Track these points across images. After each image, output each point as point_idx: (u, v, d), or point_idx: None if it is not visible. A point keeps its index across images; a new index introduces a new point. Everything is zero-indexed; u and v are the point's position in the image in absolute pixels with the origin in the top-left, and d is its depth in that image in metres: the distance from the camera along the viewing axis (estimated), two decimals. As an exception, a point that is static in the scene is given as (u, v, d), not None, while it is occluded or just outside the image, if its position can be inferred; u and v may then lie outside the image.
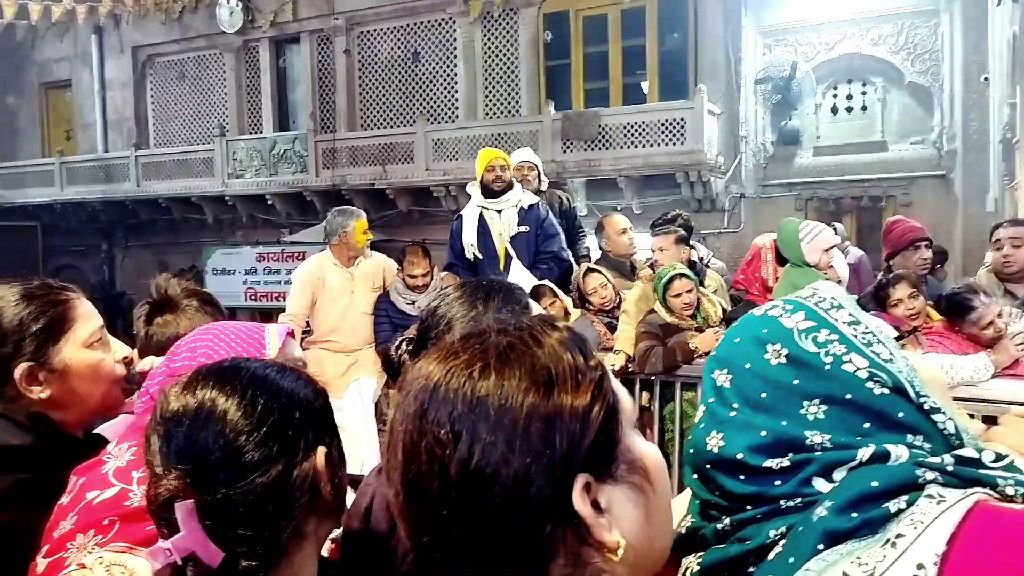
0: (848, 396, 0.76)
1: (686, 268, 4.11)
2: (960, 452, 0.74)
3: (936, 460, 0.72)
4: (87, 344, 1.31)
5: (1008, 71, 7.67)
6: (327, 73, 13.25)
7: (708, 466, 0.80)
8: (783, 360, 0.78)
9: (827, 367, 0.77)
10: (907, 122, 9.97)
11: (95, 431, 1.33)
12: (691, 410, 3.94)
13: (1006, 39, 7.74)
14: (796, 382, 0.77)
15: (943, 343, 3.18)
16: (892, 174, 9.90)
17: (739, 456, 0.77)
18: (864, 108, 10.20)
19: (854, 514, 0.69)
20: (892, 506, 0.69)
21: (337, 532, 1.30)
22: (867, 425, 0.76)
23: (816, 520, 0.71)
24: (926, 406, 0.77)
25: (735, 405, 0.80)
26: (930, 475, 0.70)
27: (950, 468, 0.71)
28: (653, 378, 3.98)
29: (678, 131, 10.07)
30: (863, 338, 0.79)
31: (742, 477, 0.77)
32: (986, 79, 8.91)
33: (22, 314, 1.26)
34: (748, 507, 0.77)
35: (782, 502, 0.76)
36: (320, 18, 12.98)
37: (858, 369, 0.77)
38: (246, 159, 13.23)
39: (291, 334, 1.28)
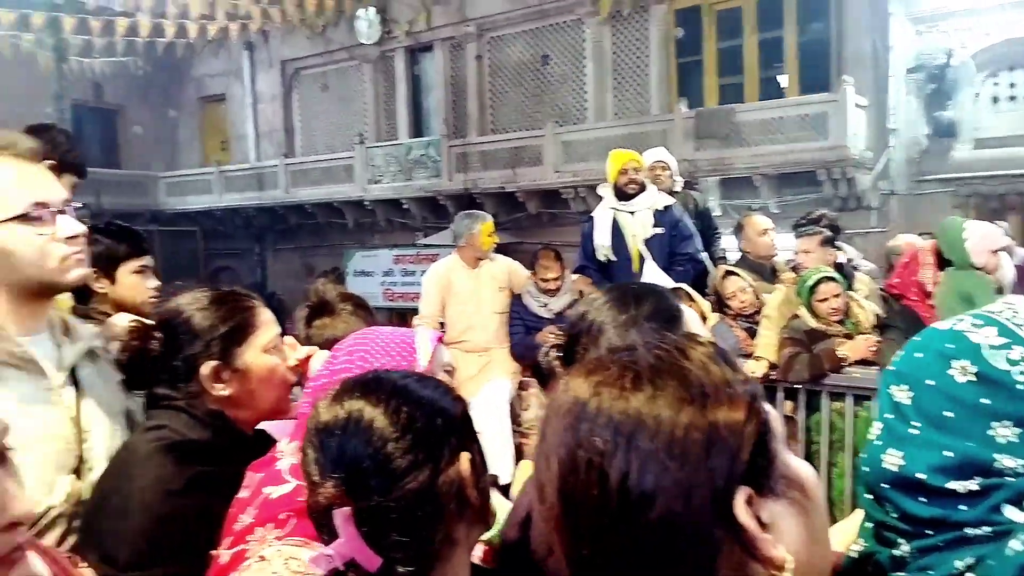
0: None
1: (833, 271, 3.90)
2: None
3: None
4: (266, 349, 1.40)
5: None
6: (459, 79, 13.57)
7: (885, 486, 0.76)
8: (971, 377, 0.73)
9: (1020, 387, 0.71)
10: (1083, 110, 9.02)
11: (261, 428, 1.42)
12: (839, 421, 3.74)
13: None
14: (985, 401, 0.72)
15: None
16: (1065, 167, 9.00)
17: (921, 476, 0.72)
18: (1031, 96, 9.32)
19: None
20: None
21: (488, 534, 1.32)
22: None
23: (1012, 554, 0.66)
24: None
25: (916, 423, 0.75)
26: None
27: None
28: (798, 387, 3.81)
29: (820, 125, 9.58)
30: None
31: (923, 499, 0.73)
32: None
33: (213, 317, 1.35)
34: (928, 532, 0.73)
35: (968, 530, 0.71)
36: (452, 26, 13.32)
37: None
38: (383, 165, 13.77)
39: (440, 339, 1.31)
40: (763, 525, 0.60)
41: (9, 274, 1.28)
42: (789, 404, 3.90)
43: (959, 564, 0.70)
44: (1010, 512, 0.69)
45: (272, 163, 15.40)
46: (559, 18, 12.38)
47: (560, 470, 0.63)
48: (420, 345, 1.25)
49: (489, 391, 4.65)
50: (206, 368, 1.33)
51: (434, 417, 0.87)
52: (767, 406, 0.65)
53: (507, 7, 12.66)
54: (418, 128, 14.38)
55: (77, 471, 1.31)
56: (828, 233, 4.30)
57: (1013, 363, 0.72)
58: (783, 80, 10.78)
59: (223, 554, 1.07)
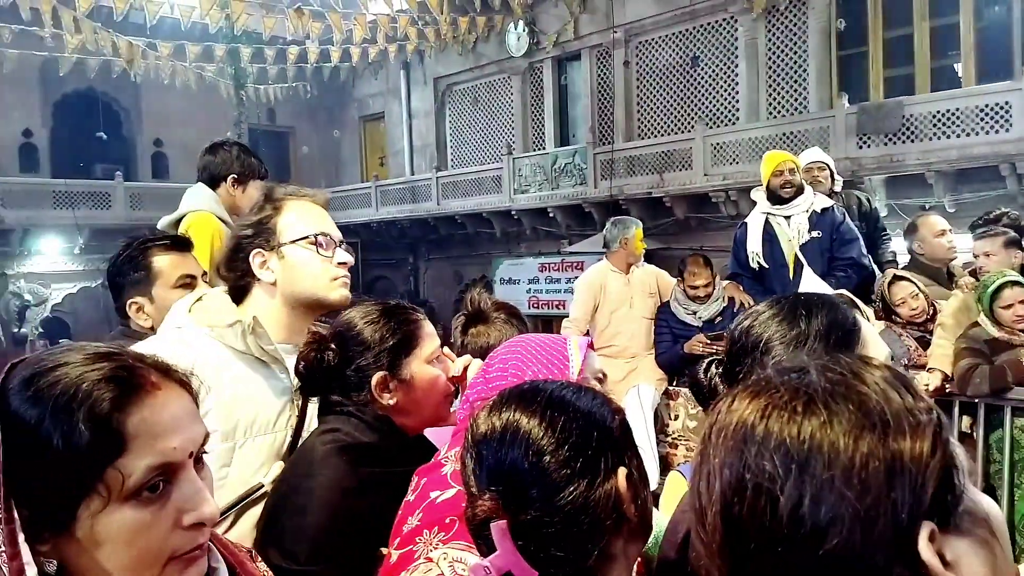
0: None
1: (1018, 275, 3.55)
2: None
3: None
4: (428, 360, 1.48)
5: None
6: (606, 86, 13.56)
7: None
8: None
9: None
10: None
11: (423, 434, 1.50)
12: (1023, 438, 3.40)
13: None
14: None
15: None
16: None
17: None
18: None
19: None
20: None
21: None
22: None
23: None
24: None
25: None
26: None
27: None
28: (976, 401, 3.50)
29: (1002, 117, 8.76)
30: None
31: None
32: None
33: (382, 330, 1.45)
34: None
35: None
36: (600, 33, 13.33)
37: None
38: (530, 175, 14.00)
39: (591, 346, 1.32)
40: (946, 563, 0.57)
41: (292, 285, 1.56)
42: (967, 420, 3.59)
43: None
44: None
45: (425, 176, 16.05)
46: (710, 17, 12.09)
47: (724, 494, 0.61)
48: (572, 353, 1.26)
49: (635, 396, 4.61)
50: (376, 378, 1.42)
51: (591, 429, 0.86)
52: (952, 439, 0.61)
53: (656, 10, 12.51)
54: (564, 137, 14.51)
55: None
56: (1013, 234, 3.93)
57: None
58: (959, 69, 9.95)
59: (392, 554, 1.14)
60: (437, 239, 16.52)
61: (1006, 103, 8.73)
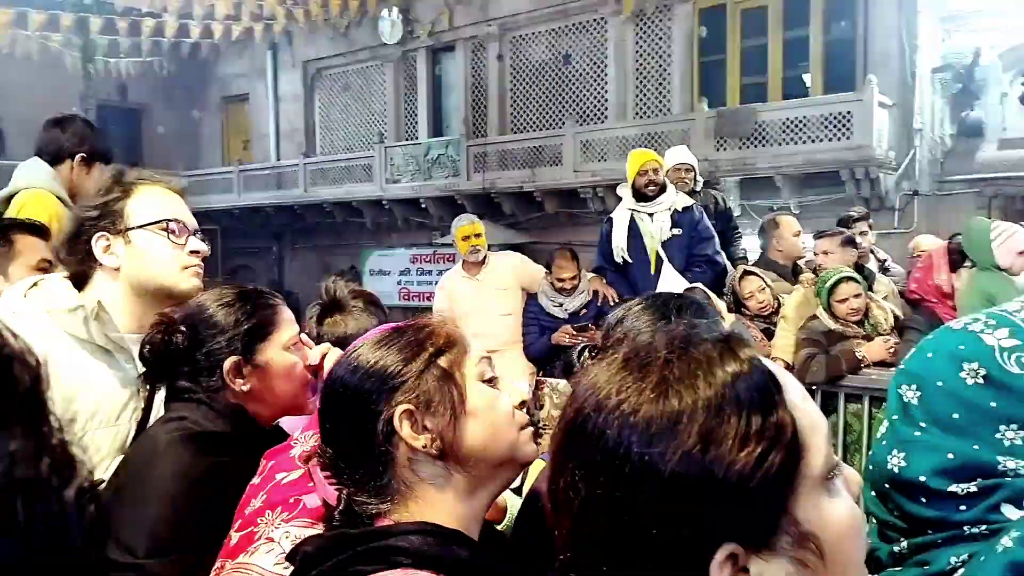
0: None
1: (853, 271, 3.87)
2: None
3: None
4: (286, 347, 1.43)
5: None
6: (480, 79, 13.60)
7: (887, 485, 0.77)
8: (980, 380, 0.73)
9: None
10: (1114, 109, 8.87)
11: (278, 424, 1.45)
12: (856, 423, 3.71)
13: None
14: (993, 405, 0.72)
15: None
16: (1094, 168, 8.85)
17: (922, 479, 0.73)
18: (1060, 96, 9.18)
19: None
20: None
21: (500, 526, 1.34)
22: None
23: (1001, 551, 0.66)
24: None
25: (922, 424, 0.76)
26: None
27: None
28: (814, 388, 3.78)
29: (844, 125, 9.50)
30: None
31: (923, 500, 0.74)
32: None
33: (236, 314, 1.39)
34: (929, 531, 0.74)
35: (965, 528, 0.72)
36: (474, 25, 13.35)
37: None
38: (402, 164, 13.84)
39: None
40: None
41: (138, 272, 1.51)
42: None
43: (953, 559, 0.70)
44: (1008, 511, 0.70)
45: (292, 162, 15.51)
46: (582, 17, 12.37)
47: (552, 468, 0.62)
48: None
49: (524, 387, 4.65)
50: (228, 363, 1.36)
51: (371, 376, 0.91)
52: (813, 439, 0.60)
53: (530, 6, 12.67)
54: (438, 128, 14.43)
55: None
56: (848, 233, 4.27)
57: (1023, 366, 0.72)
58: (807, 79, 10.70)
59: (232, 536, 1.10)
60: (304, 228, 16.02)
61: (848, 113, 9.46)
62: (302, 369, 1.44)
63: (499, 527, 1.34)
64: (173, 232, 1.54)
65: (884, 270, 4.96)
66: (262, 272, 16.69)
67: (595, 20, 12.26)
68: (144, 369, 1.37)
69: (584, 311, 4.62)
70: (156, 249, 1.52)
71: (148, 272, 1.51)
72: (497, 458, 0.93)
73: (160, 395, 1.45)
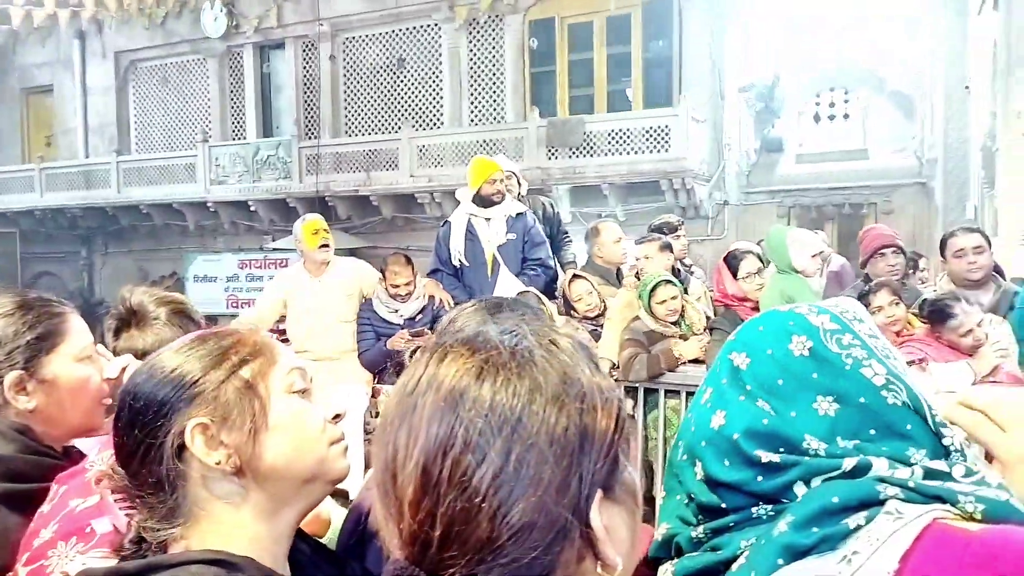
0: (861, 400, 0.78)
1: (671, 275, 4.12)
2: (931, 465, 0.74)
3: (904, 474, 0.73)
4: (78, 359, 1.31)
5: (989, 80, 7.77)
6: (312, 79, 13.22)
7: (703, 444, 0.80)
8: (806, 352, 0.80)
9: (847, 368, 0.79)
10: (888, 130, 10.08)
11: (72, 444, 1.32)
12: (675, 418, 3.95)
13: (986, 48, 7.84)
14: (815, 376, 0.79)
15: (925, 350, 3.20)
16: (873, 182, 10.01)
17: (735, 436, 0.77)
18: (846, 116, 10.31)
19: (814, 529, 0.70)
20: (851, 522, 0.70)
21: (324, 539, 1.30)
22: (873, 432, 0.77)
23: (777, 535, 0.72)
24: (935, 422, 0.78)
25: (748, 387, 0.81)
26: (891, 491, 0.71)
27: (912, 484, 0.71)
28: (637, 385, 3.99)
29: (662, 138, 10.13)
30: (883, 350, 0.81)
31: (727, 463, 0.77)
32: (967, 88, 9.03)
33: (16, 324, 1.26)
34: (723, 504, 0.78)
35: (754, 510, 0.76)
36: (305, 24, 12.96)
37: (876, 375, 0.79)
38: (229, 165, 13.17)
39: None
40: (605, 528, 0.61)
41: None
42: (629, 402, 4.08)
43: (743, 543, 0.75)
44: (799, 490, 0.75)
45: (103, 160, 14.30)
46: (415, 22, 12.35)
47: (428, 450, 0.60)
48: None
49: (342, 400, 4.54)
50: (8, 379, 1.23)
51: (153, 393, 0.86)
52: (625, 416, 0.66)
53: (362, 8, 12.47)
54: (268, 128, 13.87)
55: None
56: (666, 239, 4.54)
57: (843, 347, 0.80)
58: (630, 94, 11.30)
59: (20, 571, 0.99)
60: (117, 231, 14.81)
61: (666, 127, 10.11)
62: (97, 384, 1.33)
63: (323, 540, 1.31)
64: None
65: (690, 273, 5.31)
66: (69, 279, 15.27)
67: (429, 26, 12.29)
68: None
69: (420, 316, 4.61)
70: None
71: None
72: (302, 476, 0.89)
73: None
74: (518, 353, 0.62)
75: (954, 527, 0.68)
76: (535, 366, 0.61)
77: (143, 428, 0.84)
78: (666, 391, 3.95)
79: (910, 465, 0.74)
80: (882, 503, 0.71)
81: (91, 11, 12.35)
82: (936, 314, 3.23)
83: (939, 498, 0.70)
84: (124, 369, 1.30)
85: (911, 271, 5.21)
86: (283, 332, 4.94)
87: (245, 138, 13.64)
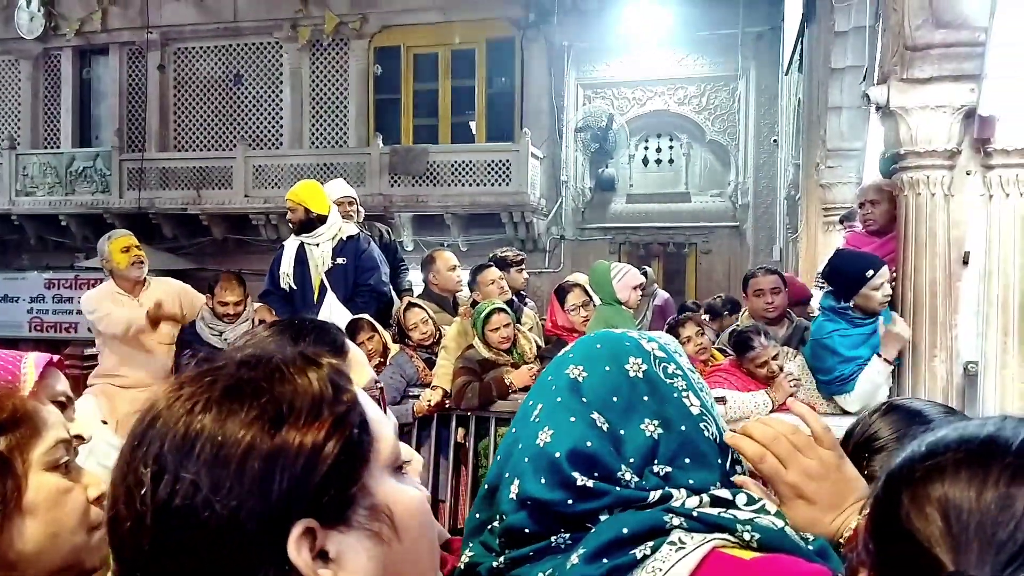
0: (682, 428, 0.82)
1: (503, 304, 4.20)
2: (717, 493, 0.79)
3: (692, 503, 0.77)
4: None
5: (793, 134, 8.62)
6: (138, 89, 12.43)
7: (526, 459, 0.81)
8: (640, 375, 0.84)
9: (672, 396, 0.84)
10: (708, 176, 10.92)
11: None
12: (506, 445, 4.00)
13: (793, 105, 8.71)
14: (645, 399, 0.83)
15: (728, 379, 3.46)
16: (694, 223, 10.78)
17: (557, 455, 0.78)
18: (671, 161, 11.06)
19: (604, 560, 0.73)
20: (638, 552, 0.73)
21: None
22: (687, 460, 0.81)
23: (570, 567, 0.74)
24: (733, 456, 0.85)
25: (584, 399, 0.82)
26: (676, 520, 0.75)
27: (695, 514, 0.76)
28: (469, 414, 4.01)
29: (503, 172, 10.39)
30: (698, 383, 0.87)
31: (544, 480, 0.78)
32: (775, 141, 9.98)
33: None
34: (527, 529, 0.79)
35: (553, 539, 0.78)
36: (132, 30, 12.20)
37: (692, 406, 0.84)
38: (38, 175, 12.07)
39: (54, 363, 1.18)
40: (327, 560, 0.56)
41: None
42: (461, 431, 4.09)
43: (541, 575, 0.76)
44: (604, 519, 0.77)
45: None
46: (255, 38, 11.96)
47: (110, 491, 0.58)
48: (26, 370, 1.13)
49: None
50: None
51: None
52: (380, 428, 0.62)
53: (197, 19, 11.92)
54: (85, 137, 12.85)
55: None
56: (496, 270, 4.63)
57: (668, 375, 0.85)
58: (473, 127, 11.51)
59: None
60: (-102, 243, 13.12)
61: (507, 161, 10.38)
62: None
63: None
64: None
65: (523, 303, 5.44)
66: None
67: (269, 43, 11.94)
68: None
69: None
70: None
71: None
72: (54, 566, 0.79)
73: None
74: (207, 385, 0.59)
75: (731, 555, 0.72)
76: (224, 395, 0.58)
77: None
78: (497, 420, 3.99)
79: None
80: (668, 532, 0.74)
81: None
82: (739, 345, 3.50)
83: (719, 527, 0.74)
84: None
85: (726, 313, 5.61)
86: (94, 358, 4.57)
87: (59, 147, 12.56)
